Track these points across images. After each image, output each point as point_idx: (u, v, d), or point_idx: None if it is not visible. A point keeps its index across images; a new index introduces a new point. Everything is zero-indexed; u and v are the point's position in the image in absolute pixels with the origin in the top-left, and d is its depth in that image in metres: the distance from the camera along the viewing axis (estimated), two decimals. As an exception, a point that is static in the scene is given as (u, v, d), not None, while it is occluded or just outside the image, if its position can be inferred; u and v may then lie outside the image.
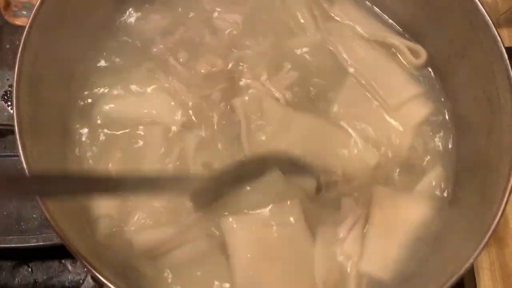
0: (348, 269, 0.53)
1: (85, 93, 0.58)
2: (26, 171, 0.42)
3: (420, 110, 0.61)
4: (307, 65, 0.62)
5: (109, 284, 0.43)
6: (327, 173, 0.56)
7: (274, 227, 0.52)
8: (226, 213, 0.52)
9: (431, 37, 0.61)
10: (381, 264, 0.54)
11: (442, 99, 0.62)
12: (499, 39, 0.49)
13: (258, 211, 0.52)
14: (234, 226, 0.51)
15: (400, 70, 0.62)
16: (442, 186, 0.58)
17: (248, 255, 0.51)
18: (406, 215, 0.56)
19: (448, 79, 0.60)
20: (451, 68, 0.59)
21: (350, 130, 0.59)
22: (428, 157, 0.59)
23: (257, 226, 0.52)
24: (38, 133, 0.45)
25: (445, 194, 0.58)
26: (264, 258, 0.51)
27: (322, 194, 0.55)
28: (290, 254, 0.52)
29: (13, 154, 0.68)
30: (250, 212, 0.52)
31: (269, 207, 0.52)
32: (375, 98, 0.61)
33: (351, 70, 0.62)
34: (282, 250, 0.52)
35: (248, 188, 0.53)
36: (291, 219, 0.52)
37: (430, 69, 0.63)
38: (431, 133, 0.60)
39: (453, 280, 0.46)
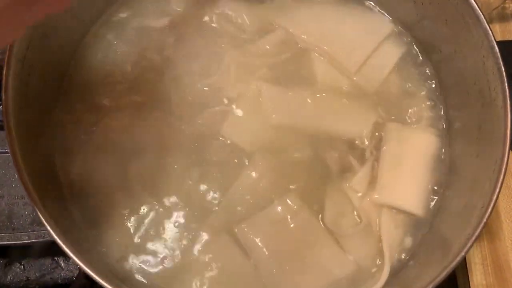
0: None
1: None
2: (15, 168, 0.42)
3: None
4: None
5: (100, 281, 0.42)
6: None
7: (283, 221, 0.53)
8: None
9: (423, 30, 0.61)
10: (401, 195, 0.57)
11: (437, 94, 0.62)
12: (490, 33, 0.49)
13: (265, 211, 0.54)
14: (247, 231, 0.53)
15: None
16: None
17: (267, 253, 0.52)
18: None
19: (441, 72, 0.60)
20: (443, 61, 0.59)
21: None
22: None
23: (268, 225, 0.53)
24: (27, 128, 0.45)
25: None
26: (283, 252, 0.53)
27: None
28: (304, 239, 0.54)
29: (4, 150, 0.68)
30: (258, 213, 0.54)
31: (273, 204, 0.54)
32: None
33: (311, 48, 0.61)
34: (296, 240, 0.53)
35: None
36: (295, 208, 0.53)
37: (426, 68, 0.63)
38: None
39: (445, 273, 0.46)
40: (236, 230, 0.53)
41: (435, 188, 0.58)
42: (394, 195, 0.57)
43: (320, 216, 0.55)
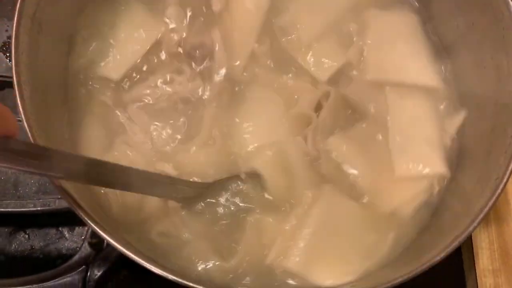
0: None
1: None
2: (25, 124, 0.41)
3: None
4: None
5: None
6: None
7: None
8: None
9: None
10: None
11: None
12: (511, 4, 0.48)
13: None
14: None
15: None
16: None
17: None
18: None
19: (455, 46, 0.59)
20: (460, 35, 0.58)
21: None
22: None
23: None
24: (37, 86, 0.45)
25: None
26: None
27: None
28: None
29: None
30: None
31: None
32: None
33: None
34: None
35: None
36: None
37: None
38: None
39: (449, 249, 0.45)
40: None
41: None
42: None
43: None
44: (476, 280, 0.63)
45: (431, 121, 0.57)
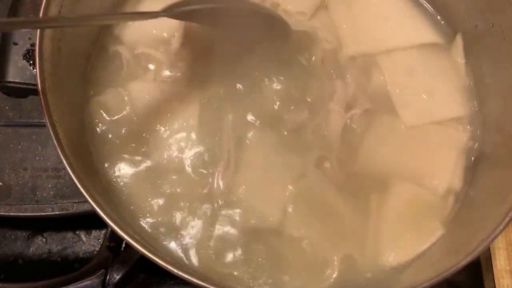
0: None
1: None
2: (51, 132, 0.42)
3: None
4: None
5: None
6: None
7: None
8: None
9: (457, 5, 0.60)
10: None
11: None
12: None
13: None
14: None
15: None
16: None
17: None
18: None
19: (474, 49, 0.59)
20: (478, 37, 0.58)
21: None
22: None
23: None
24: (60, 91, 0.45)
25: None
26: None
27: None
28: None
29: (28, 123, 0.69)
30: None
31: None
32: None
33: None
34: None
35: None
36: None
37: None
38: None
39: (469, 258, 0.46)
40: None
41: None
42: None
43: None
44: (494, 281, 0.63)
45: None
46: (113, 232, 0.60)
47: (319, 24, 0.62)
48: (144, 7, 0.60)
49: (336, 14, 0.63)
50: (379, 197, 0.55)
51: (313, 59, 0.60)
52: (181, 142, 0.55)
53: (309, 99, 0.58)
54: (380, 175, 0.56)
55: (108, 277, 0.61)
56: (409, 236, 0.54)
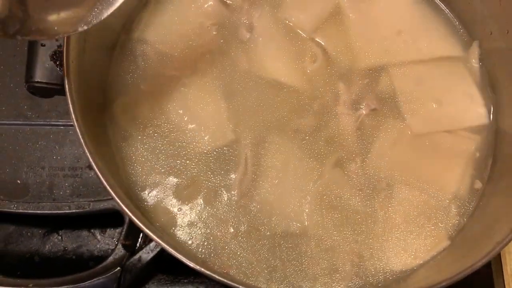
0: None
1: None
2: (78, 130, 0.43)
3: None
4: None
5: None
6: None
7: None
8: None
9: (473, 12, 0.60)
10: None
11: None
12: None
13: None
14: None
15: None
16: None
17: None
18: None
19: (491, 56, 0.60)
20: (492, 43, 0.59)
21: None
22: None
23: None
24: (84, 92, 0.46)
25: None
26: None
27: None
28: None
29: (46, 122, 0.70)
30: None
31: None
32: None
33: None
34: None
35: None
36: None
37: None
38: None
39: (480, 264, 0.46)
40: None
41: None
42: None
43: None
44: (504, 285, 0.64)
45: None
46: (129, 231, 0.62)
47: (328, 37, 0.62)
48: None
49: (347, 26, 0.63)
50: (385, 201, 0.56)
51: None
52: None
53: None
54: (386, 179, 0.57)
55: (123, 275, 0.62)
56: (415, 243, 0.55)
